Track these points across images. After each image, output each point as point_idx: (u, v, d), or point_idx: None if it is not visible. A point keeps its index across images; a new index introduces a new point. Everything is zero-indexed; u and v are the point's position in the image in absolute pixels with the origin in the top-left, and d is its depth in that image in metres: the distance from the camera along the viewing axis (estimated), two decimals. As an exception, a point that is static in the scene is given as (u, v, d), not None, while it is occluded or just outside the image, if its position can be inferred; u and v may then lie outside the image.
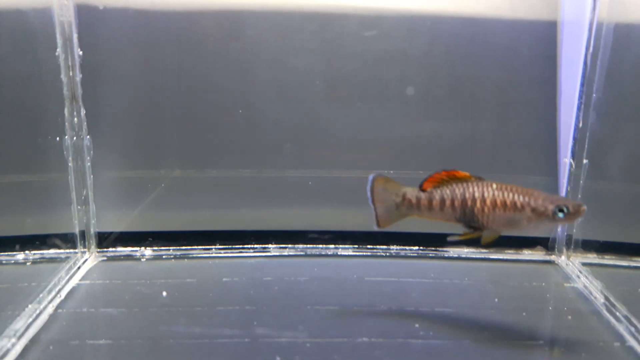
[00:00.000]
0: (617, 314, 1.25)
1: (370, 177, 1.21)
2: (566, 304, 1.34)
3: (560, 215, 1.09)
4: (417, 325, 1.20)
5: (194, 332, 1.15)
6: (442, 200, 1.15)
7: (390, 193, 1.20)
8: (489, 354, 1.12)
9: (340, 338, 1.15)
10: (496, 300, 1.33)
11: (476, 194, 1.13)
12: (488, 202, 1.12)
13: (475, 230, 1.15)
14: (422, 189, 1.17)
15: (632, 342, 1.16)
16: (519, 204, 1.10)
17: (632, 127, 1.38)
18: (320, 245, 1.62)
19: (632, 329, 1.19)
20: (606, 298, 1.31)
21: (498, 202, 1.11)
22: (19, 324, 1.13)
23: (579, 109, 1.49)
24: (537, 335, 1.21)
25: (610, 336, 1.19)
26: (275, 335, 1.15)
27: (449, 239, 1.20)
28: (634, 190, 1.47)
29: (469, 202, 1.13)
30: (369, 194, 1.21)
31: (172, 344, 1.12)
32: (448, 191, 1.15)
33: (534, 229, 1.12)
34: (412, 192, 1.19)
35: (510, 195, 1.11)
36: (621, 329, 1.21)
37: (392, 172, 1.63)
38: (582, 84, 1.47)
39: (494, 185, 1.13)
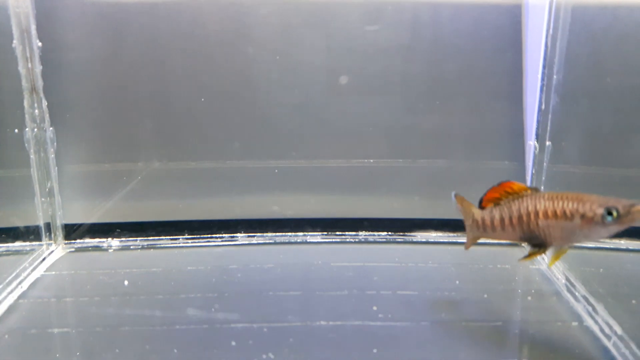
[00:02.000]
0: (577, 294, 1.26)
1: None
2: (528, 285, 1.35)
3: (609, 219, 0.98)
4: (375, 308, 1.20)
5: (152, 319, 1.16)
6: (502, 220, 1.10)
7: (467, 214, 1.17)
8: (445, 335, 1.13)
9: (298, 322, 1.16)
10: (457, 282, 1.34)
11: (529, 208, 1.06)
12: (540, 214, 1.05)
13: (540, 248, 1.08)
14: (481, 207, 1.13)
15: (589, 321, 1.17)
16: (568, 212, 1.01)
17: (589, 108, 1.38)
18: (289, 233, 1.62)
19: (590, 308, 1.19)
20: (567, 279, 1.32)
21: (549, 213, 1.04)
22: (-24, 314, 1.14)
23: (541, 91, 1.49)
24: (495, 316, 1.21)
25: (569, 316, 1.20)
26: (233, 320, 1.15)
27: (519, 260, 1.15)
28: (596, 172, 1.48)
29: (525, 218, 1.06)
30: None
31: (130, 330, 1.12)
32: (505, 209, 1.09)
33: (592, 239, 1.03)
34: (478, 214, 1.14)
35: (560, 203, 1.03)
36: (579, 308, 1.22)
37: (372, 161, 1.64)
38: (543, 66, 1.47)
39: (546, 196, 1.05)
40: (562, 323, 1.18)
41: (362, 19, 1.52)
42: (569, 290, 1.29)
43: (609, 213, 0.98)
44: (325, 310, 1.20)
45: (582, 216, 1.00)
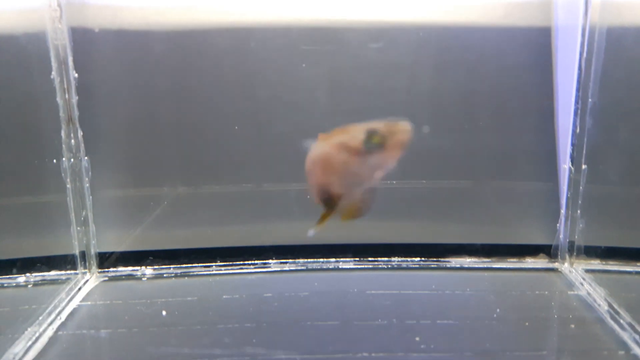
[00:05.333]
0: (621, 321, 1.23)
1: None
2: (569, 312, 1.33)
3: (370, 146, 0.85)
4: (417, 339, 1.19)
5: (193, 351, 1.15)
6: None
7: None
8: (491, 366, 1.11)
9: (340, 354, 1.14)
10: (498, 310, 1.32)
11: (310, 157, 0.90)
12: (317, 163, 0.90)
13: (329, 206, 0.91)
14: None
15: (636, 350, 1.14)
16: (334, 150, 0.87)
17: (627, 130, 1.37)
18: (321, 259, 1.61)
19: (637, 336, 1.17)
20: (610, 305, 1.29)
21: (317, 158, 0.90)
22: (18, 347, 1.14)
23: (575, 114, 1.48)
24: (539, 345, 1.19)
25: (615, 344, 1.17)
26: (274, 352, 1.14)
27: (310, 232, 0.96)
28: (635, 193, 1.46)
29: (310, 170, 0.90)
30: None
31: (171, 363, 1.12)
32: None
33: (367, 176, 0.87)
34: None
35: (326, 143, 0.88)
36: (625, 336, 1.19)
37: (394, 182, 1.63)
38: (577, 89, 1.46)
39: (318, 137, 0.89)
40: (609, 352, 1.15)
41: (393, 42, 1.53)
42: (612, 318, 1.26)
43: (370, 137, 0.84)
44: (366, 341, 1.19)
45: (349, 149, 0.85)
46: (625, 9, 1.37)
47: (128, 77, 1.52)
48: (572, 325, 1.27)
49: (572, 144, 1.51)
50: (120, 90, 1.52)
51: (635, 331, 1.18)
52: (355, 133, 0.85)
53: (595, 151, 1.46)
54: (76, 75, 1.43)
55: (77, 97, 1.44)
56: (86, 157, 1.48)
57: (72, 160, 1.44)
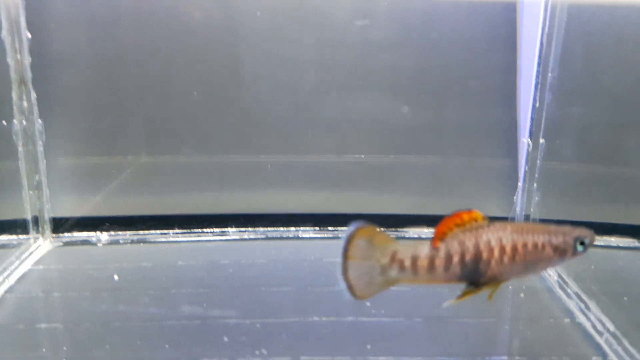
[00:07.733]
0: (569, 290, 1.26)
1: (352, 227, 0.91)
2: (521, 281, 1.35)
3: (580, 248, 0.94)
4: (368, 304, 1.20)
5: (143, 314, 1.14)
6: (449, 257, 0.90)
7: (375, 250, 0.91)
8: (438, 331, 1.13)
9: (291, 318, 1.15)
10: (450, 279, 1.33)
11: (492, 242, 0.91)
12: (508, 248, 0.91)
13: (478, 286, 0.94)
14: (433, 247, 0.91)
15: (581, 318, 1.17)
16: (539, 245, 0.93)
17: (584, 107, 1.38)
18: (282, 228, 1.61)
19: (582, 305, 1.20)
20: (559, 275, 1.32)
21: (519, 246, 0.92)
22: (-38, 309, 1.12)
23: (535, 89, 1.49)
24: (487, 312, 1.21)
25: (561, 312, 1.20)
26: (225, 316, 1.14)
27: (446, 304, 0.95)
28: (589, 170, 1.48)
29: (485, 254, 0.90)
30: (343, 248, 0.91)
31: (120, 326, 1.11)
32: (455, 243, 0.90)
33: (545, 269, 1.00)
34: (405, 251, 0.90)
35: (530, 237, 0.92)
36: (572, 305, 1.22)
37: (362, 156, 1.63)
38: (538, 64, 1.47)
39: (509, 228, 0.92)
40: (555, 320, 1.18)
41: (353, 15, 1.51)
42: (561, 287, 1.29)
43: (582, 243, 0.95)
44: (318, 306, 1.19)
45: (555, 248, 0.93)
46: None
47: (87, 38, 1.48)
48: (522, 295, 1.29)
49: (532, 119, 1.52)
50: (79, 52, 1.48)
51: (581, 300, 1.21)
52: (565, 237, 0.94)
53: (554, 126, 1.47)
54: (29, 35, 1.39)
55: (30, 59, 1.40)
56: (39, 120, 1.44)
57: (24, 122, 1.40)
